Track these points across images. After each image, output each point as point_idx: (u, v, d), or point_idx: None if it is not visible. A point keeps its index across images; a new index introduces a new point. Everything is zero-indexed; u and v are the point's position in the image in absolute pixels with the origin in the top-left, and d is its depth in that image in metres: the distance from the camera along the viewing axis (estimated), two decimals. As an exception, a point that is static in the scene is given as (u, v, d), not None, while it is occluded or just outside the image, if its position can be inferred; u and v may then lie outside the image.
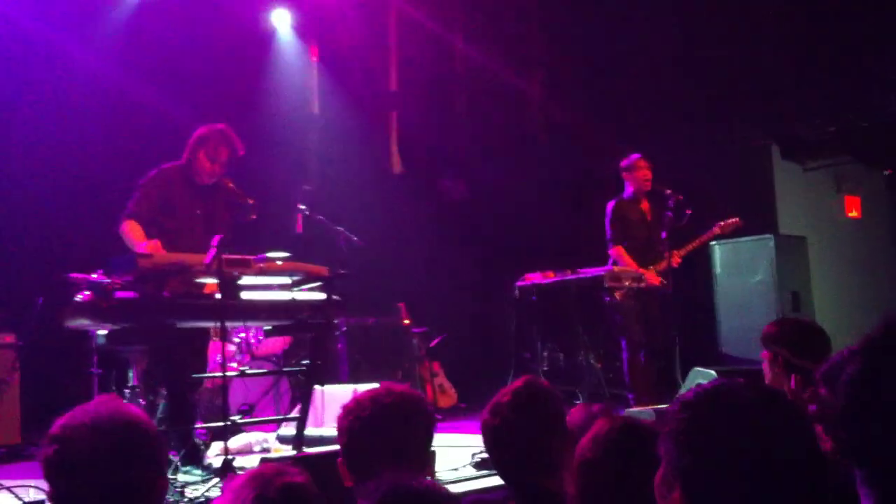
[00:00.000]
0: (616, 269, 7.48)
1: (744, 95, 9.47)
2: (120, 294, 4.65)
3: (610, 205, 7.76)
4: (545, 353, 7.95)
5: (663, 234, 7.42)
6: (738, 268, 8.76)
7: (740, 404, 1.54)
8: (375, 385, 5.83)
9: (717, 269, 8.92)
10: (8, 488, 4.42)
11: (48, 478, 1.93)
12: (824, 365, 1.63)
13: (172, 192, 5.61)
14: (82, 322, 4.85)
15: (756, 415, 1.52)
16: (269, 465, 1.87)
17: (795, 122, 9.60)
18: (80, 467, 1.89)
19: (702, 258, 8.87)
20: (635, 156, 7.74)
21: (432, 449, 2.62)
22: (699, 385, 1.63)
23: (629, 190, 7.76)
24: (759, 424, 1.51)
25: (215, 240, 4.66)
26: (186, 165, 5.66)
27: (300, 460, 4.42)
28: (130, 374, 5.80)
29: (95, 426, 1.93)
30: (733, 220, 7.70)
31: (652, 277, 7.45)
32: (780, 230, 9.31)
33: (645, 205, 7.76)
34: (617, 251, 7.68)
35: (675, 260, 7.46)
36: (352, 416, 2.54)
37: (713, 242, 8.81)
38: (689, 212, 7.28)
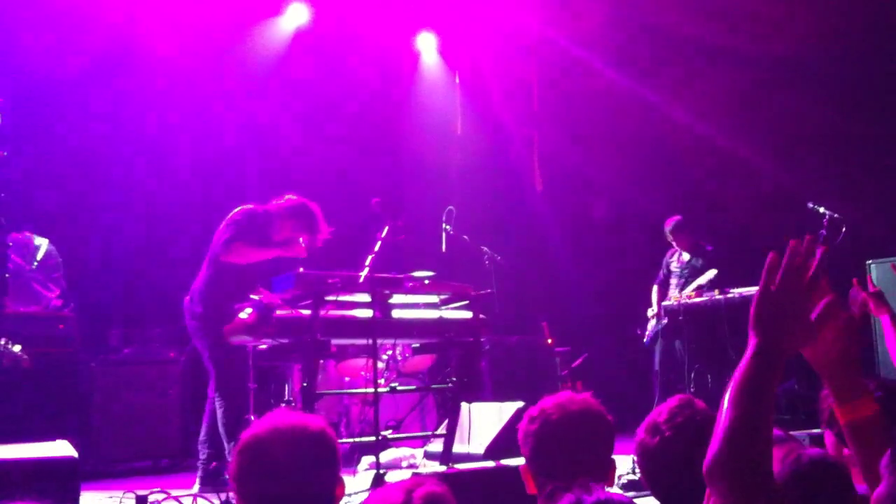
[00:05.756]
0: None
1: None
2: (280, 312, 4.85)
3: None
4: (692, 375, 7.79)
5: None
6: (897, 287, 8.37)
7: None
8: (521, 403, 5.88)
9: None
10: (176, 498, 4.66)
11: (238, 486, 2.06)
12: None
13: None
14: (244, 338, 5.08)
15: None
16: (414, 477, 1.94)
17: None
18: (268, 476, 2.01)
19: (858, 278, 8.50)
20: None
21: (612, 457, 2.65)
22: None
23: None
24: None
25: (369, 259, 4.81)
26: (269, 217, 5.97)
27: (450, 476, 4.50)
28: (287, 389, 6.02)
29: (282, 436, 2.05)
30: None
31: None
32: (943, 248, 8.87)
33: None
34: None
35: None
36: (539, 422, 2.58)
37: (869, 262, 8.47)
38: (844, 230, 7.06)
